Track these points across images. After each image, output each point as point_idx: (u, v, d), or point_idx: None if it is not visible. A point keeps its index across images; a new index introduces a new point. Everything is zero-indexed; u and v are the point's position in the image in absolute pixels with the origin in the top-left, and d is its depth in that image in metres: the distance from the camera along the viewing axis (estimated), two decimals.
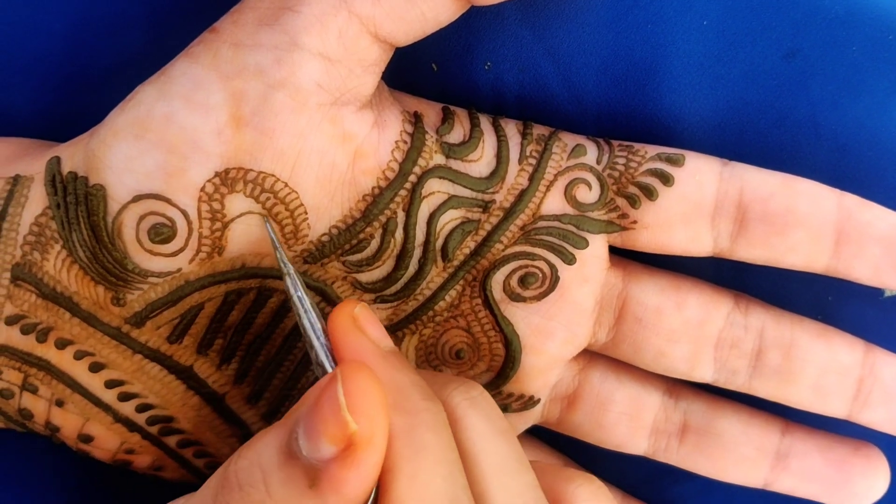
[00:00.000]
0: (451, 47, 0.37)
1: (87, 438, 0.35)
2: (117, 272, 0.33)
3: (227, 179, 0.32)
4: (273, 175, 0.33)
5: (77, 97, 0.38)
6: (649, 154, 0.35)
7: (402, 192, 0.34)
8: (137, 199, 0.32)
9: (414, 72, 0.37)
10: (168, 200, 0.32)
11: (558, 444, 0.41)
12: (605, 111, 0.37)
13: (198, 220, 0.33)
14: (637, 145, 0.36)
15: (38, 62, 0.38)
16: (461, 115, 0.35)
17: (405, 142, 0.34)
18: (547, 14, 0.36)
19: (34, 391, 0.34)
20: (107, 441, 0.35)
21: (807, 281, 0.37)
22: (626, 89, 0.37)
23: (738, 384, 0.37)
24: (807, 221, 0.35)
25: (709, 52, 0.36)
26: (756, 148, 0.37)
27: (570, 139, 0.36)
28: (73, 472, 0.40)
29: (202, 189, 0.32)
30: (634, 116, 0.37)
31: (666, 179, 0.35)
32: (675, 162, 0.35)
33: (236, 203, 0.33)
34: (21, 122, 0.38)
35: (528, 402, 0.37)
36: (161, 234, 0.32)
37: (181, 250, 0.33)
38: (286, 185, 0.33)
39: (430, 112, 0.36)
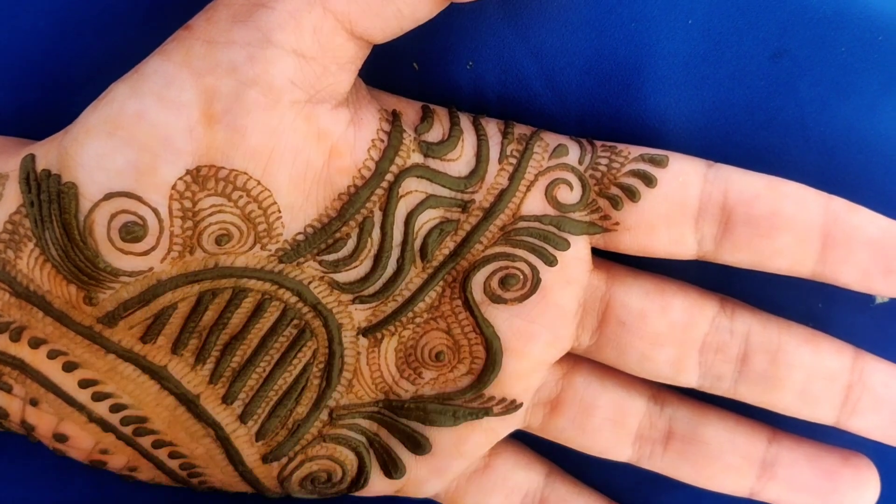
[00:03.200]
0: (432, 46, 0.37)
1: (62, 438, 0.35)
2: (89, 271, 0.33)
3: (198, 177, 0.32)
4: (245, 173, 0.32)
5: (60, 95, 0.38)
6: (632, 155, 0.35)
7: (379, 192, 0.34)
8: (109, 197, 0.32)
9: (395, 71, 0.37)
10: (139, 199, 0.32)
11: (544, 450, 0.40)
12: (588, 111, 0.37)
13: (169, 219, 0.32)
14: (620, 146, 0.35)
15: (22, 60, 0.38)
16: (441, 114, 0.35)
17: (382, 140, 0.34)
18: (530, 13, 0.36)
19: (8, 390, 0.34)
20: (81, 441, 0.35)
21: (796, 286, 0.37)
22: (609, 89, 0.36)
23: (723, 389, 0.36)
24: (792, 225, 0.34)
25: (694, 51, 0.36)
26: (743, 149, 0.37)
27: (552, 139, 0.35)
28: (72, 472, 0.40)
29: (174, 187, 0.32)
30: (618, 117, 0.37)
31: (649, 181, 0.34)
32: (659, 163, 0.34)
33: (208, 201, 0.32)
34: (3, 120, 0.38)
35: (510, 407, 0.36)
36: (132, 232, 0.32)
37: (153, 249, 0.33)
38: (259, 183, 0.32)
39: (409, 110, 0.35)
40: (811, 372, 0.35)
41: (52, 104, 0.38)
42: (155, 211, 0.32)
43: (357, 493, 0.38)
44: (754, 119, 0.36)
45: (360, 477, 0.37)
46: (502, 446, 0.39)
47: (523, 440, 0.40)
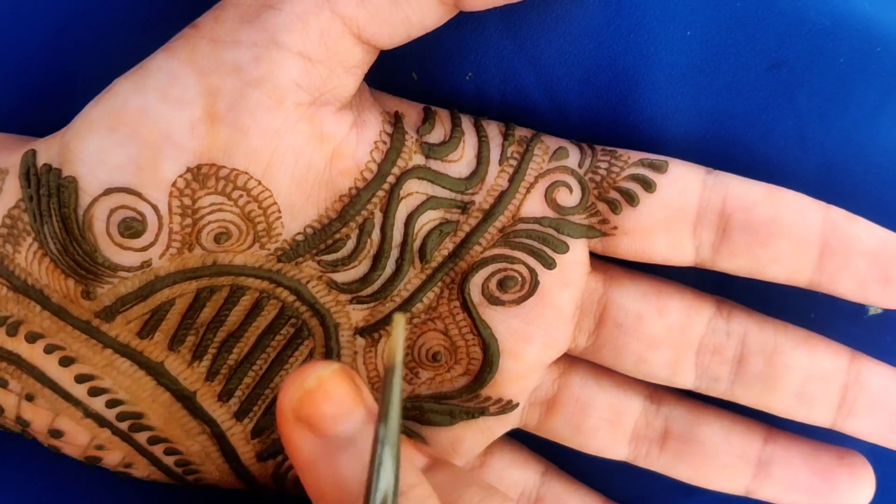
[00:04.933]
0: (431, 57, 0.37)
1: (58, 433, 0.35)
2: (87, 265, 0.33)
3: (198, 175, 0.32)
4: (246, 172, 0.32)
5: (64, 95, 0.38)
6: (632, 160, 0.35)
7: (380, 193, 0.34)
8: (108, 192, 0.32)
9: (394, 81, 0.37)
10: (139, 194, 0.32)
11: (541, 447, 0.40)
12: (587, 122, 0.37)
13: (168, 216, 0.32)
14: (620, 150, 0.35)
15: (25, 64, 0.38)
16: (442, 115, 0.35)
17: (384, 142, 0.34)
18: (529, 24, 0.36)
19: (4, 385, 0.34)
20: (77, 437, 0.35)
21: (790, 297, 0.37)
22: (608, 100, 0.36)
23: (720, 391, 0.36)
24: (791, 232, 0.34)
25: (692, 62, 0.36)
26: (741, 160, 0.37)
27: (552, 142, 0.35)
28: (74, 474, 0.40)
29: (174, 184, 0.32)
30: (617, 127, 0.37)
31: (648, 185, 0.34)
32: (658, 168, 0.35)
33: (208, 200, 0.33)
34: (6, 125, 0.38)
35: (507, 407, 0.36)
36: (131, 227, 0.32)
37: (151, 245, 0.33)
38: (259, 183, 0.32)
39: (412, 112, 0.35)
40: (808, 373, 0.35)
41: (56, 104, 0.38)
42: (154, 207, 0.32)
43: None
44: (753, 130, 0.36)
45: None
46: (498, 445, 0.39)
47: (521, 439, 0.40)
